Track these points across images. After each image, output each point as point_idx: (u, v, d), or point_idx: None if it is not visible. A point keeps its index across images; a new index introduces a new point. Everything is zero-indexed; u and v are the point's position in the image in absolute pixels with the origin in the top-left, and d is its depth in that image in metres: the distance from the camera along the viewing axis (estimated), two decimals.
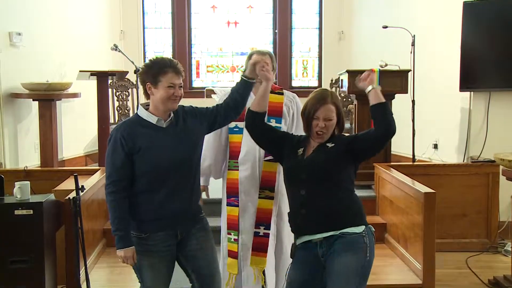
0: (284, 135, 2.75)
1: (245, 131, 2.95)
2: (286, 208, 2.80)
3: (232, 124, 3.07)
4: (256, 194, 3.07)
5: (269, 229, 3.07)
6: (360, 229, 2.45)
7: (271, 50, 7.97)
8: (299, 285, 2.52)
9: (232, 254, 3.15)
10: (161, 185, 2.47)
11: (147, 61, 2.52)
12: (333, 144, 2.52)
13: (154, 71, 2.44)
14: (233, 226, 3.11)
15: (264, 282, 3.07)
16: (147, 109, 2.52)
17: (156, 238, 2.50)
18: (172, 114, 2.53)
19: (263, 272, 3.07)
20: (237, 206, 3.09)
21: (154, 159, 2.45)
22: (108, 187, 2.47)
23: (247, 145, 3.04)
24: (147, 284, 2.56)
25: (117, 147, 2.43)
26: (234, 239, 3.12)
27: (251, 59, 2.95)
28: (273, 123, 3.05)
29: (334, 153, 2.50)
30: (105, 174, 2.52)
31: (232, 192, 3.11)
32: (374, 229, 2.54)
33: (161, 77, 2.43)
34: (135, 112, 2.66)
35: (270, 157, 2.98)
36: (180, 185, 2.52)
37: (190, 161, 2.55)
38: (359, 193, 4.94)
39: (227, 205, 3.14)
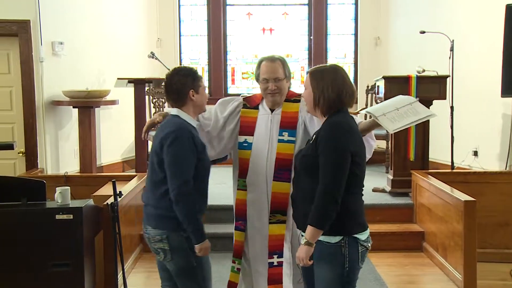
0: None
1: (254, 146, 2.80)
2: None
3: (242, 139, 2.84)
4: (266, 218, 2.79)
5: (282, 257, 2.79)
6: (334, 239, 2.29)
7: (306, 56, 7.97)
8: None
9: (232, 286, 2.88)
10: (205, 186, 2.62)
11: (179, 72, 2.63)
12: (313, 138, 2.39)
13: (194, 78, 2.62)
14: (238, 253, 2.84)
15: None
16: None
17: None
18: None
19: None
20: (244, 230, 2.84)
21: (206, 161, 2.60)
22: (183, 186, 2.45)
23: (255, 162, 2.80)
24: (207, 278, 2.62)
25: (190, 146, 2.50)
26: (237, 268, 2.87)
27: (260, 68, 2.80)
28: (285, 136, 2.78)
29: (309, 149, 2.37)
30: (172, 174, 2.47)
31: (240, 214, 2.85)
32: (364, 239, 2.34)
33: (200, 83, 2.64)
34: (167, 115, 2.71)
35: (280, 177, 2.74)
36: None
37: None
38: (396, 200, 4.97)
39: (234, 229, 2.89)
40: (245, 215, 2.82)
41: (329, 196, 2.23)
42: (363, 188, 2.41)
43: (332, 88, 2.33)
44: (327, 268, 2.32)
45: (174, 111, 2.62)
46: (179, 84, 2.58)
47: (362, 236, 2.34)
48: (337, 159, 2.24)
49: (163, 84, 2.67)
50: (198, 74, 2.64)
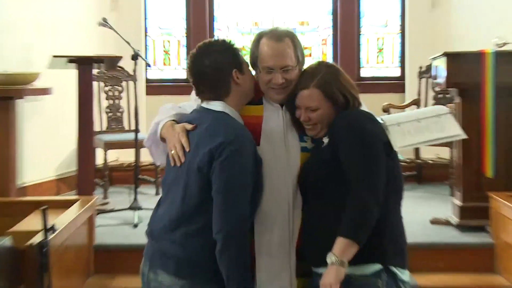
0: None
1: (264, 160, 2.64)
2: None
3: None
4: (289, 270, 2.64)
5: None
6: (370, 268, 2.43)
7: (329, 24, 7.91)
8: None
9: None
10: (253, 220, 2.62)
11: (210, 47, 2.66)
12: (327, 139, 2.58)
13: (234, 52, 2.67)
14: None
15: None
16: None
17: None
18: None
19: None
20: None
21: (262, 179, 2.62)
22: (241, 224, 2.49)
23: (271, 189, 2.64)
24: None
25: (252, 164, 2.52)
26: None
27: (259, 49, 2.71)
28: (308, 143, 2.73)
29: (327, 154, 2.54)
30: (226, 205, 2.48)
31: None
32: (405, 280, 2.50)
33: (242, 58, 2.68)
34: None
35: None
36: None
37: None
38: (467, 238, 4.88)
39: None
40: (253, 267, 2.65)
41: (367, 195, 2.37)
42: (402, 201, 2.60)
43: (351, 82, 2.66)
44: None
45: (217, 105, 2.63)
46: (216, 64, 2.60)
47: (403, 275, 2.49)
48: (369, 149, 2.45)
49: (187, 69, 2.67)
50: (237, 46, 2.70)
